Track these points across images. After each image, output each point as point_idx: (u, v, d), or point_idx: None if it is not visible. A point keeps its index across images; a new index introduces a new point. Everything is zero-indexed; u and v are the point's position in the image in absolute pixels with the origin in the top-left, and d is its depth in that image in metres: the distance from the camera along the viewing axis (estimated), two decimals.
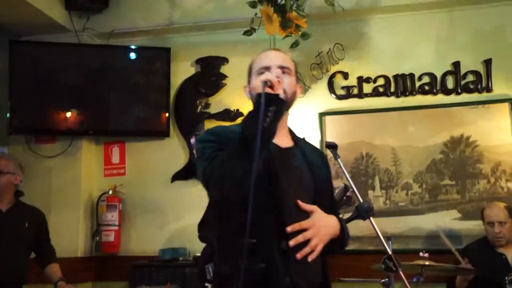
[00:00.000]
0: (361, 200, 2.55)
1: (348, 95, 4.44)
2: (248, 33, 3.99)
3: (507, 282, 3.14)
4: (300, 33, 3.97)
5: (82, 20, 4.71)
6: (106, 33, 4.72)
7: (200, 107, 4.66)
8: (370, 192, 4.21)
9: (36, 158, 4.54)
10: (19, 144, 4.58)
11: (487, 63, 4.17)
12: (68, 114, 4.52)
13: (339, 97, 4.46)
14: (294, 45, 4.01)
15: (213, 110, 4.64)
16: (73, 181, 4.53)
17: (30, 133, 4.57)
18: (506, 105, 4.06)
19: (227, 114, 4.58)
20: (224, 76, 4.67)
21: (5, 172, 3.32)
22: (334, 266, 4.01)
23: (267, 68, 1.97)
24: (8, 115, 4.39)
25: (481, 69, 4.20)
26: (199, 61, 4.73)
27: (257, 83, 1.74)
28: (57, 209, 4.36)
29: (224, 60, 4.70)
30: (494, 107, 4.08)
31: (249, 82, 2.02)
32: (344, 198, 2.74)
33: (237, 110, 4.56)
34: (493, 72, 4.15)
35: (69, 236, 4.31)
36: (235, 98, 4.60)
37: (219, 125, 2.05)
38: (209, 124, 4.61)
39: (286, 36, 3.92)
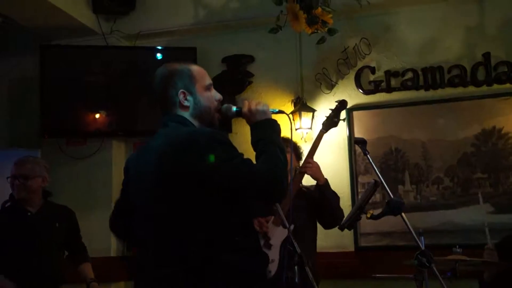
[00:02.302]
0: (392, 196, 2.54)
1: (375, 90, 4.40)
2: (274, 30, 3.98)
3: None
4: (326, 29, 3.94)
5: (109, 22, 4.78)
6: (133, 35, 4.79)
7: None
8: (400, 187, 4.17)
9: (68, 160, 4.63)
10: (51, 146, 4.66)
11: None
12: (98, 116, 4.60)
13: (367, 92, 4.42)
14: (321, 41, 3.99)
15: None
16: (104, 182, 4.59)
17: (61, 135, 4.66)
18: None
19: None
20: (250, 74, 4.68)
21: (31, 176, 3.36)
22: (366, 262, 4.04)
23: (211, 85, 2.12)
24: (40, 118, 4.48)
25: None
26: (225, 60, 4.74)
27: (265, 105, 2.07)
28: (89, 210, 4.41)
29: (250, 58, 4.71)
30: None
31: (186, 87, 2.02)
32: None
33: None
34: None
35: (102, 236, 4.31)
36: (261, 96, 4.60)
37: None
38: (237, 123, 4.63)
39: (313, 32, 3.90)
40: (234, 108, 2.12)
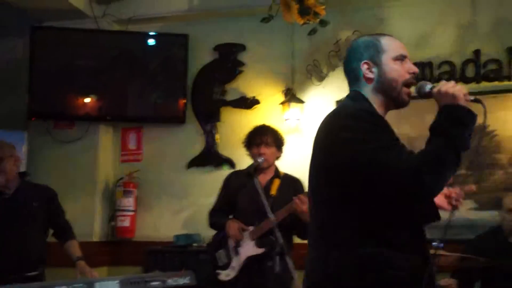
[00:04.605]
0: None
1: None
2: (266, 20, 3.96)
3: None
4: (318, 20, 3.93)
5: (102, 6, 4.74)
6: (124, 19, 4.75)
7: (216, 94, 4.66)
8: None
9: (54, 143, 4.61)
10: (37, 129, 4.65)
11: (509, 51, 4.08)
12: (87, 100, 4.59)
13: None
14: (312, 32, 3.97)
15: (229, 97, 4.65)
16: (91, 166, 4.59)
17: (49, 118, 4.63)
18: None
19: (244, 102, 4.58)
20: (241, 63, 4.67)
21: (4, 157, 3.28)
22: None
23: (405, 57, 1.86)
24: (27, 100, 4.45)
25: (502, 57, 4.11)
26: (216, 48, 4.73)
27: (459, 90, 1.70)
28: (74, 194, 4.41)
29: (242, 47, 4.69)
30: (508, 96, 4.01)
31: (372, 58, 1.83)
32: None
33: (254, 97, 4.56)
34: None
35: (85, 221, 4.37)
36: (252, 85, 4.60)
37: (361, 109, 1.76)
38: (225, 111, 4.63)
39: (304, 23, 3.88)
40: (428, 86, 1.80)
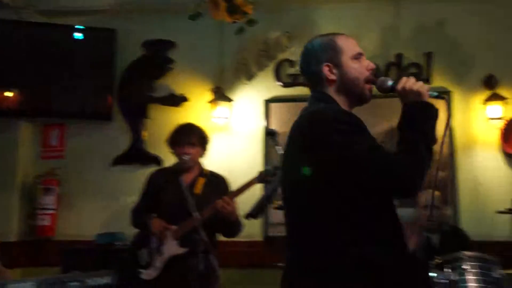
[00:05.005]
0: None
1: (294, 83, 4.45)
2: (193, 17, 3.94)
3: None
4: (246, 19, 3.94)
5: None
6: (47, 11, 4.58)
7: (145, 91, 4.58)
8: None
9: None
10: None
11: (428, 56, 4.26)
12: (8, 94, 4.38)
13: (286, 85, 4.47)
14: (240, 31, 3.98)
15: (157, 94, 4.58)
16: (9, 163, 4.40)
17: None
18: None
19: (172, 99, 4.53)
20: (170, 60, 4.61)
21: None
22: (273, 251, 4.10)
23: (362, 54, 1.89)
24: None
25: (422, 61, 4.29)
26: (145, 44, 4.64)
27: (423, 86, 1.76)
28: None
29: (171, 44, 4.63)
30: (432, 99, 4.16)
31: (331, 59, 1.84)
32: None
33: (182, 95, 4.51)
34: (433, 65, 4.25)
35: (2, 219, 4.18)
36: (181, 82, 4.56)
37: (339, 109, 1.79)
38: (153, 108, 4.56)
39: (233, 22, 3.88)
40: (389, 82, 1.83)
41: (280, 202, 2.73)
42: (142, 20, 4.66)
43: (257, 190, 4.13)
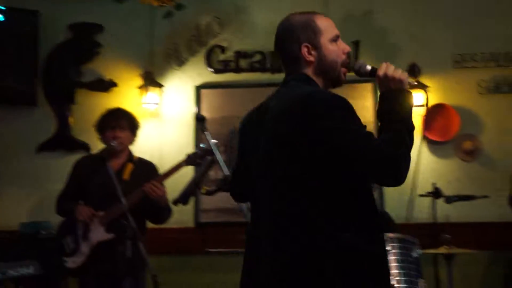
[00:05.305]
0: (226, 172, 2.57)
1: (225, 69, 4.46)
2: (120, 0, 3.85)
3: None
4: (174, 4, 3.90)
5: None
6: None
7: (71, 75, 4.45)
8: None
9: None
10: None
11: (356, 44, 4.37)
12: None
13: (216, 71, 4.47)
14: (168, 16, 3.95)
15: (85, 79, 4.46)
16: None
17: None
18: (370, 85, 4.29)
19: (100, 84, 4.42)
20: (98, 44, 4.49)
21: None
22: (205, 238, 4.12)
23: (339, 37, 1.85)
24: None
25: (351, 50, 4.39)
26: (72, 27, 4.50)
27: (403, 74, 1.74)
28: None
29: (99, 28, 4.51)
30: (360, 86, 4.28)
31: (310, 40, 1.80)
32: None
33: (111, 80, 4.41)
34: (360, 53, 4.37)
35: None
36: (110, 67, 4.47)
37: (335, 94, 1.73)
38: (81, 94, 4.43)
39: (160, 6, 3.83)
40: (368, 67, 1.81)
41: (208, 188, 2.76)
42: (68, 2, 4.50)
43: (187, 176, 4.17)
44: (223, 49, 4.47)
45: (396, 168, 1.61)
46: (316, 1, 4.44)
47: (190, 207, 4.00)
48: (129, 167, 3.26)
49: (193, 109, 4.37)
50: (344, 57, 1.83)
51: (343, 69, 1.83)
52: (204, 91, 4.42)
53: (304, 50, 1.79)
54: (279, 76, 4.42)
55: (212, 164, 2.82)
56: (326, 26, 1.82)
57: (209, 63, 4.46)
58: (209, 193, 2.69)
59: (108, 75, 4.44)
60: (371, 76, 1.81)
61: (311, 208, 1.64)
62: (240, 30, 4.49)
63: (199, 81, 4.45)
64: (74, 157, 3.56)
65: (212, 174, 3.54)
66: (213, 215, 4.21)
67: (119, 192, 3.03)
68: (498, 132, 4.23)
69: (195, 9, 4.24)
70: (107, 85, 4.41)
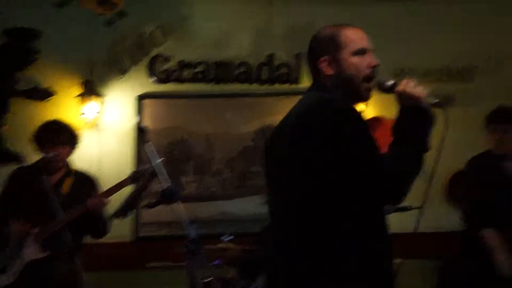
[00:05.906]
0: (168, 185, 2.52)
1: (168, 79, 4.41)
2: (61, 4, 3.75)
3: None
4: (117, 11, 3.82)
5: None
6: None
7: (6, 82, 4.26)
8: (183, 178, 4.24)
9: None
10: None
11: (298, 56, 4.42)
12: None
13: (159, 81, 4.41)
14: (109, 24, 3.86)
15: (21, 87, 4.27)
16: None
17: None
18: None
19: (37, 92, 4.24)
20: (35, 51, 4.32)
21: None
22: (144, 252, 4.04)
23: (367, 50, 1.82)
24: None
25: (292, 62, 4.45)
26: (7, 32, 4.31)
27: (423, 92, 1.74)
28: None
29: (37, 34, 4.34)
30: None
31: (331, 53, 1.80)
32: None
33: (48, 88, 4.26)
34: (302, 65, 4.41)
35: None
36: (47, 75, 4.30)
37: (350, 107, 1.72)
38: (16, 102, 4.25)
39: (101, 14, 3.74)
40: (389, 83, 1.80)
41: (147, 201, 2.70)
42: (5, 8, 4.32)
43: (126, 188, 4.08)
44: (166, 59, 4.41)
45: (394, 185, 1.65)
46: (259, 13, 4.50)
47: (128, 220, 3.91)
48: (69, 180, 3.15)
49: (134, 120, 4.29)
50: (368, 71, 1.80)
51: (366, 85, 1.81)
52: (146, 101, 4.35)
53: (323, 63, 1.80)
54: (222, 88, 4.49)
55: (153, 176, 2.77)
56: (352, 40, 1.81)
57: (152, 73, 4.40)
58: (149, 206, 2.65)
59: (46, 83, 4.27)
60: (391, 91, 1.81)
61: (335, 217, 1.66)
62: (183, 39, 4.45)
63: (141, 91, 4.38)
64: (8, 169, 3.41)
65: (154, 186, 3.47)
66: (153, 228, 4.14)
67: (55, 207, 2.93)
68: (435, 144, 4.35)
69: (138, 17, 4.17)
70: (44, 94, 4.24)
